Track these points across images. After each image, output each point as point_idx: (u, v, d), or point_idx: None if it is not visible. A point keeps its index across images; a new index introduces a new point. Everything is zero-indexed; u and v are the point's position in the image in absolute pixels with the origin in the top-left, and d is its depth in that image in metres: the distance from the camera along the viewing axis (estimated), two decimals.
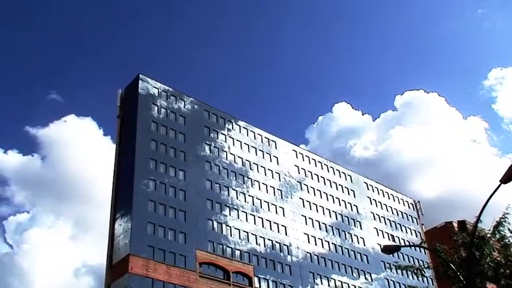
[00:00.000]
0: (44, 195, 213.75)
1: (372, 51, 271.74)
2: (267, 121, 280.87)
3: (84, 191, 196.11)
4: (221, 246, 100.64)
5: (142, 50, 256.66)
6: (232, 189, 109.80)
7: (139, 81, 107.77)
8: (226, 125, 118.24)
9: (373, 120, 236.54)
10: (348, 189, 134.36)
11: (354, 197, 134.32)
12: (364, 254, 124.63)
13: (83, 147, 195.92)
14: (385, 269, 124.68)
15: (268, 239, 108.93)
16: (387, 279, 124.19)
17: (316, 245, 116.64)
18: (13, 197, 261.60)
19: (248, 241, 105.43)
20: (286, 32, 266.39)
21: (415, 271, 38.98)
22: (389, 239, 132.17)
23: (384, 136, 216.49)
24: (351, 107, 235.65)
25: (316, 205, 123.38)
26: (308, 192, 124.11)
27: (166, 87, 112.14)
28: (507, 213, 34.52)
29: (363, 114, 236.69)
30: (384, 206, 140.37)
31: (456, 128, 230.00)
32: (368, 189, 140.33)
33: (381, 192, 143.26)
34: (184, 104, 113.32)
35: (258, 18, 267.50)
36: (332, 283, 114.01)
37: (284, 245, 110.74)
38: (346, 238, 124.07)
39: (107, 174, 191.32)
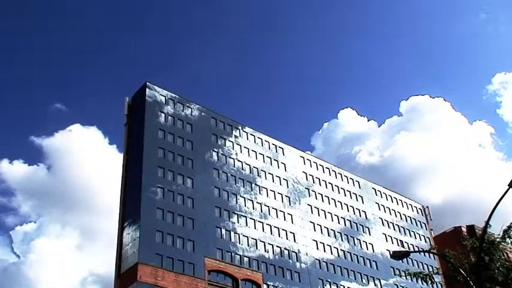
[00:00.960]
0: (50, 204, 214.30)
1: (377, 57, 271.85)
2: (273, 128, 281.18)
3: (90, 200, 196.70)
4: (230, 253, 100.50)
5: (147, 58, 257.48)
6: (241, 196, 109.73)
7: (147, 89, 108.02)
8: (234, 132, 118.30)
9: (379, 126, 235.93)
10: (356, 195, 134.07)
11: (362, 202, 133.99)
12: (373, 260, 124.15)
13: (88, 156, 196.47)
14: (394, 274, 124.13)
15: (277, 246, 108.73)
16: (396, 285, 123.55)
17: (325, 251, 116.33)
18: (19, 207, 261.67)
19: (257, 248, 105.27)
20: (291, 38, 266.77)
21: (425, 277, 38.83)
22: (398, 245, 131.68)
23: (389, 142, 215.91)
24: (356, 113, 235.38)
25: (325, 211, 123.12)
26: (316, 198, 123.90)
27: (173, 95, 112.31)
28: None
29: (368, 120, 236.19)
30: (392, 212, 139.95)
31: (462, 133, 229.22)
32: (376, 194, 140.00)
33: (389, 197, 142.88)
34: (191, 111, 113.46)
35: (265, 27, 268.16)
36: None
37: (293, 251, 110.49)
38: (354, 244, 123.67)
39: (113, 183, 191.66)
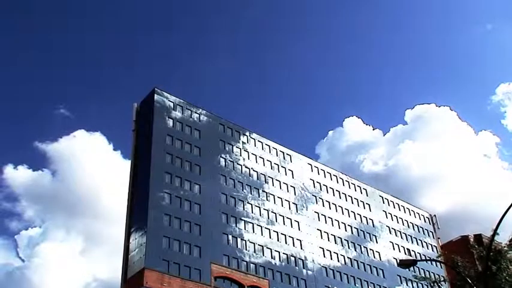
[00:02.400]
0: (55, 210, 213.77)
1: (384, 65, 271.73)
2: (278, 136, 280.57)
3: (95, 205, 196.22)
4: (236, 259, 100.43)
5: (152, 64, 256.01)
6: (248, 202, 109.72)
7: (155, 95, 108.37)
8: (241, 138, 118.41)
9: (384, 135, 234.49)
10: (363, 202, 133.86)
11: (370, 210, 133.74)
12: (380, 268, 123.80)
13: (93, 162, 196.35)
14: (401, 283, 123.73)
15: (283, 253, 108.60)
16: None
17: (331, 258, 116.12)
18: (24, 213, 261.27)
19: (263, 254, 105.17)
20: (298, 46, 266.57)
21: (432, 284, 38.87)
22: (405, 253, 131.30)
23: (393, 151, 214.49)
24: (362, 122, 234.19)
25: (332, 218, 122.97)
26: (323, 205, 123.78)
27: (182, 101, 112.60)
28: None
29: (373, 129, 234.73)
30: (399, 220, 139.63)
31: (467, 143, 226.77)
32: (383, 202, 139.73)
33: (396, 205, 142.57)
34: (200, 117, 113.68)
35: (270, 35, 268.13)
36: None
37: (299, 258, 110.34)
38: (361, 252, 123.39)
39: (117, 189, 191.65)
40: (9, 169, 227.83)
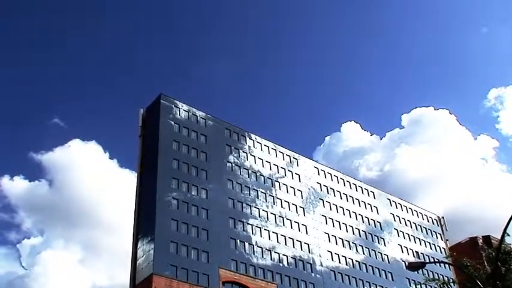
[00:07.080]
0: (53, 220, 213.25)
1: (381, 68, 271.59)
2: (278, 141, 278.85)
3: (92, 215, 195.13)
4: (244, 264, 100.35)
5: (146, 68, 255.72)
6: (255, 206, 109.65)
7: (161, 101, 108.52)
8: (248, 143, 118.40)
9: (381, 139, 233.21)
10: (371, 205, 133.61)
11: (377, 213, 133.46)
12: (389, 271, 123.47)
13: (89, 171, 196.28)
14: (410, 285, 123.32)
15: (292, 256, 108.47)
16: None
17: (339, 261, 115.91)
18: (22, 223, 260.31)
19: (271, 258, 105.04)
20: (298, 51, 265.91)
21: (441, 285, 38.76)
22: (413, 255, 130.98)
23: (389, 155, 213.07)
24: (360, 127, 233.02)
25: (339, 221, 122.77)
26: (331, 208, 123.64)
27: (187, 106, 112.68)
28: None
29: (371, 135, 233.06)
30: (407, 222, 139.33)
31: (464, 146, 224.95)
32: (391, 205, 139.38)
33: (404, 208, 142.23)
34: (205, 122, 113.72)
35: (274, 37, 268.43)
36: None
37: (307, 262, 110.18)
38: (370, 254, 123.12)
39: (115, 198, 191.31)
40: (5, 180, 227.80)
